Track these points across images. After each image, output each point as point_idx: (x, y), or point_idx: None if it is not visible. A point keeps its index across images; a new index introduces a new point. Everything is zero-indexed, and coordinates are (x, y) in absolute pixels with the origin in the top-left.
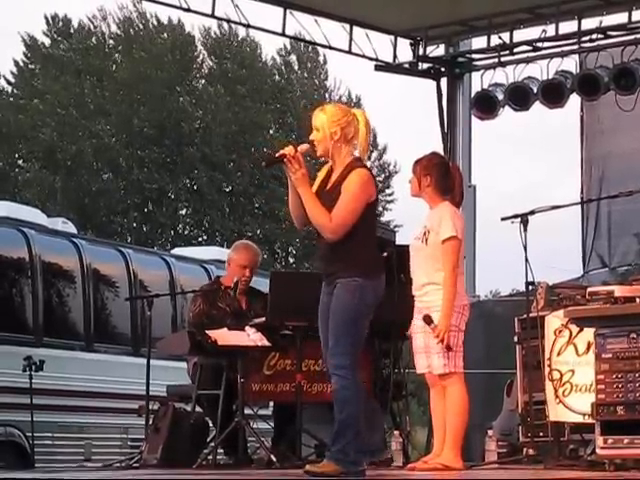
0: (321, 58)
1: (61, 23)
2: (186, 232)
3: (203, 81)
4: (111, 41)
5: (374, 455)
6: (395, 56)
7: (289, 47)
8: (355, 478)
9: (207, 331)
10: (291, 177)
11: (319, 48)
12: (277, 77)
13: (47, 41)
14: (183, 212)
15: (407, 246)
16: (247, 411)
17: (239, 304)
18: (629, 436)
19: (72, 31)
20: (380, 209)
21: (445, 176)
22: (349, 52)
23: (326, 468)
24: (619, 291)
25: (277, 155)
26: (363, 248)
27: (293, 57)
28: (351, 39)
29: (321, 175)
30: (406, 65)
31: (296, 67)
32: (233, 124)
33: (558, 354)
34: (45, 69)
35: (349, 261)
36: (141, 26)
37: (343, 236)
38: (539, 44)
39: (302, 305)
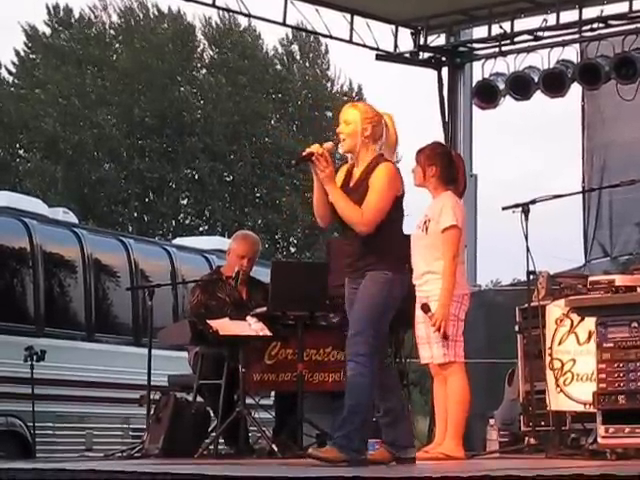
0: (323, 48)
1: (62, 13)
2: (187, 222)
3: (204, 71)
4: (112, 31)
5: (400, 451)
6: (396, 45)
7: (290, 37)
8: (357, 466)
9: (208, 321)
10: (318, 175)
11: (320, 38)
12: (278, 67)
13: (48, 31)
14: (184, 202)
15: (410, 236)
16: (248, 401)
17: (239, 294)
18: (630, 425)
19: (73, 21)
20: None
21: (449, 166)
22: (350, 42)
23: (329, 454)
24: (620, 280)
25: (305, 154)
26: (392, 242)
27: (295, 47)
28: (352, 29)
29: (340, 175)
30: (407, 55)
31: (298, 57)
32: (234, 114)
33: (559, 343)
34: (46, 59)
35: (380, 255)
36: (142, 16)
37: (374, 230)
38: (540, 33)
39: (303, 295)
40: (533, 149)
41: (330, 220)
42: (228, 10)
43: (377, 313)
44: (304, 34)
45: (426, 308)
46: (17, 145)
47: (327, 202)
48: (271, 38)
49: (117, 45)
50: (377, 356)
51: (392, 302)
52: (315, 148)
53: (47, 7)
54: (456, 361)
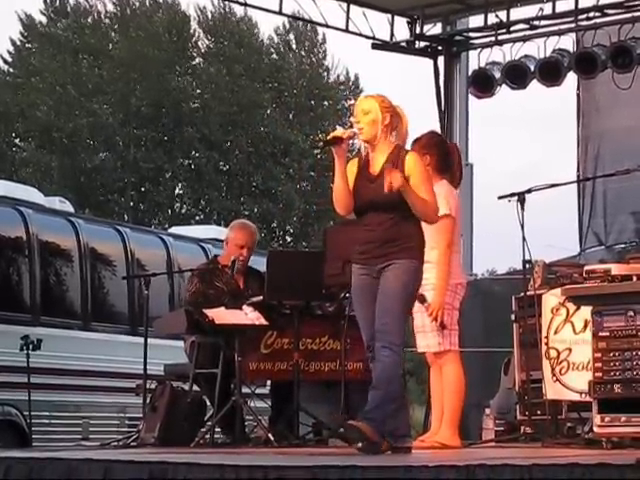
0: (319, 37)
1: (58, 2)
2: (183, 211)
3: (200, 60)
4: (107, 20)
5: (397, 440)
6: (392, 34)
7: (287, 26)
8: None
9: (204, 310)
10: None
11: (317, 28)
12: (275, 56)
13: (44, 20)
14: (180, 191)
15: None
16: (244, 390)
17: (236, 283)
18: (626, 414)
19: (69, 10)
20: None
21: (445, 155)
22: (346, 31)
23: (366, 430)
24: (616, 269)
25: (331, 137)
26: (419, 230)
27: (291, 36)
28: (348, 17)
29: (352, 168)
30: (403, 44)
31: (294, 46)
32: (230, 103)
33: (555, 332)
34: (42, 48)
35: (408, 243)
36: (137, 4)
37: (402, 219)
38: (536, 22)
39: (300, 284)
40: (529, 138)
41: (351, 208)
42: None
43: (409, 303)
44: (300, 24)
45: (422, 298)
46: (13, 134)
47: (349, 189)
48: (267, 27)
49: (113, 34)
50: None
51: (417, 291)
52: (340, 133)
53: None
54: (451, 350)
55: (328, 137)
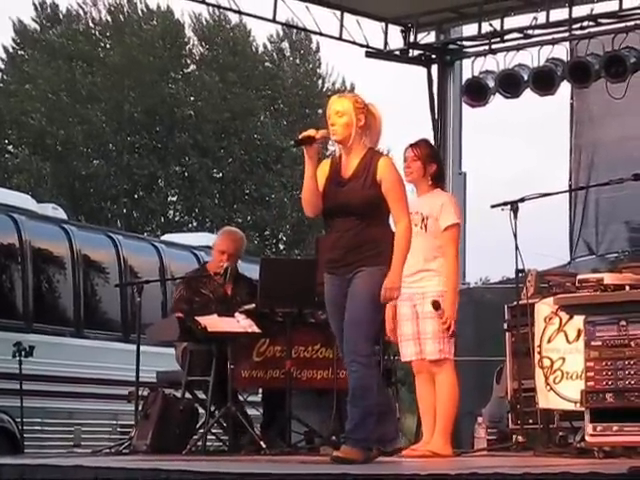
0: (314, 45)
1: (49, 9)
2: (176, 218)
3: (194, 67)
4: (101, 27)
5: (386, 445)
6: (386, 43)
7: (281, 34)
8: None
9: (197, 317)
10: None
11: (312, 36)
12: (269, 64)
13: (36, 27)
14: (174, 198)
15: None
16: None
17: (224, 290)
18: (618, 423)
19: (61, 17)
20: None
21: (442, 164)
22: (340, 39)
23: (354, 455)
24: (609, 278)
25: (303, 136)
26: (388, 237)
27: (285, 44)
28: (342, 26)
29: (325, 168)
30: (397, 52)
31: (288, 54)
32: (224, 110)
33: (548, 341)
34: (36, 54)
35: (377, 249)
36: (131, 12)
37: (370, 222)
38: (530, 31)
39: (292, 292)
40: (522, 147)
41: (320, 210)
42: (218, 7)
43: (377, 309)
44: (295, 31)
45: (437, 305)
46: (6, 141)
47: (318, 190)
48: (262, 35)
49: (107, 41)
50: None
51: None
52: (313, 132)
53: (34, 4)
54: (448, 358)
55: (300, 136)
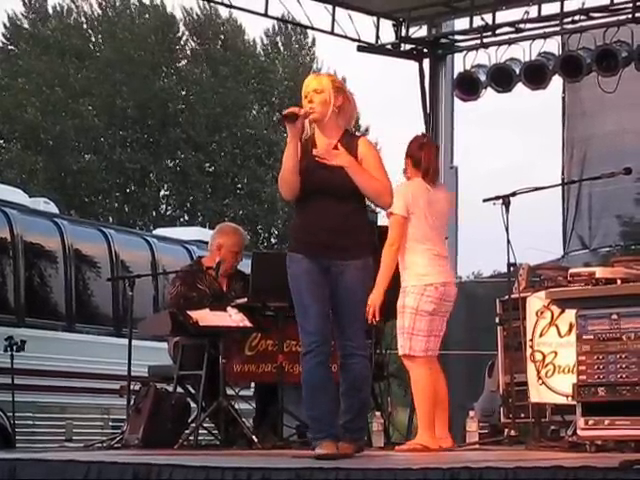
0: (309, 41)
1: (37, 4)
2: (168, 212)
3: (186, 61)
4: (95, 22)
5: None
6: (378, 37)
7: (276, 29)
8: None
9: (189, 312)
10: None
11: (306, 32)
12: (262, 58)
13: (25, 22)
14: (166, 192)
15: (387, 227)
16: (228, 392)
17: (219, 285)
18: (610, 417)
19: (51, 11)
20: None
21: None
22: (332, 33)
23: (350, 450)
24: (600, 272)
25: (288, 112)
26: (370, 224)
27: (279, 39)
28: (334, 20)
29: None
30: (389, 46)
31: (282, 48)
32: (216, 105)
33: (540, 335)
34: (29, 49)
35: (363, 237)
36: (123, 7)
37: (357, 206)
38: (522, 25)
39: (284, 286)
40: (515, 141)
41: (297, 191)
42: (210, 0)
43: (366, 302)
44: (290, 26)
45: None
46: None
47: (297, 170)
48: (256, 30)
49: (99, 36)
50: None
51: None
52: (296, 109)
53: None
54: (413, 355)
55: (284, 112)
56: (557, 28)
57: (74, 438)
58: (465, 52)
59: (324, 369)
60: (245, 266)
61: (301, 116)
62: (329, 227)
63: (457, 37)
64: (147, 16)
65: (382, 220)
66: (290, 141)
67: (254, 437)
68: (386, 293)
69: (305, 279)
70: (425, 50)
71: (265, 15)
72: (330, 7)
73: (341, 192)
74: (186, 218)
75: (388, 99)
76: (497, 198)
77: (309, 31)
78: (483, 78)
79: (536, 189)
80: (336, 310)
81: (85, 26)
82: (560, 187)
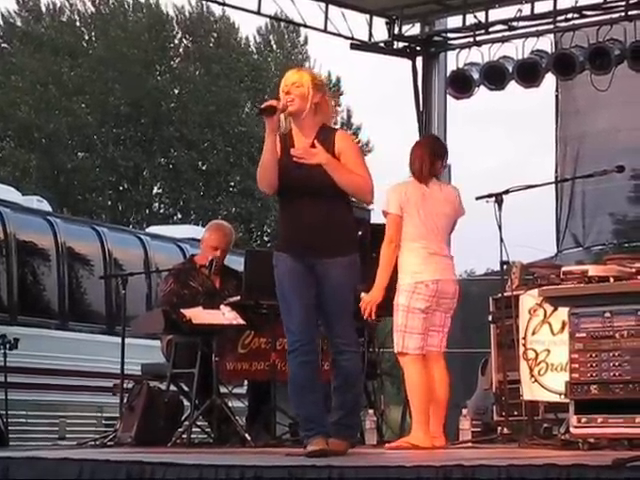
0: (301, 38)
1: (30, 2)
2: (161, 210)
3: (179, 59)
4: (87, 19)
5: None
6: (371, 35)
7: (269, 27)
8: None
9: (182, 310)
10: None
11: (299, 30)
12: (255, 56)
13: (18, 19)
14: (159, 190)
15: (381, 225)
16: (222, 390)
17: (212, 283)
18: (603, 415)
19: (44, 9)
20: None
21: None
22: (325, 31)
23: (341, 447)
24: (593, 270)
25: (267, 105)
26: (352, 218)
27: (272, 37)
28: (327, 18)
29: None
30: (381, 44)
31: (274, 46)
32: (209, 103)
33: (533, 333)
34: (22, 46)
35: (346, 234)
36: (116, 5)
37: (339, 203)
38: (514, 23)
39: None
40: (508, 139)
41: (275, 187)
42: None
43: (354, 299)
44: (282, 24)
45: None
46: None
47: (276, 166)
48: (249, 28)
49: (92, 34)
50: None
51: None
52: (275, 102)
53: None
54: (406, 353)
55: (263, 105)
56: (550, 26)
57: (67, 436)
58: (458, 50)
59: (309, 368)
60: (238, 264)
61: (279, 109)
62: (309, 225)
63: (450, 35)
64: (140, 14)
65: (379, 218)
66: (268, 135)
67: (247, 435)
68: (392, 290)
69: (289, 278)
70: (418, 48)
71: (258, 13)
72: (323, 5)
73: (320, 190)
74: (179, 216)
75: (381, 97)
76: (490, 196)
77: (302, 29)
78: (476, 76)
79: (529, 187)
80: (324, 308)
81: (78, 24)
82: (553, 185)
